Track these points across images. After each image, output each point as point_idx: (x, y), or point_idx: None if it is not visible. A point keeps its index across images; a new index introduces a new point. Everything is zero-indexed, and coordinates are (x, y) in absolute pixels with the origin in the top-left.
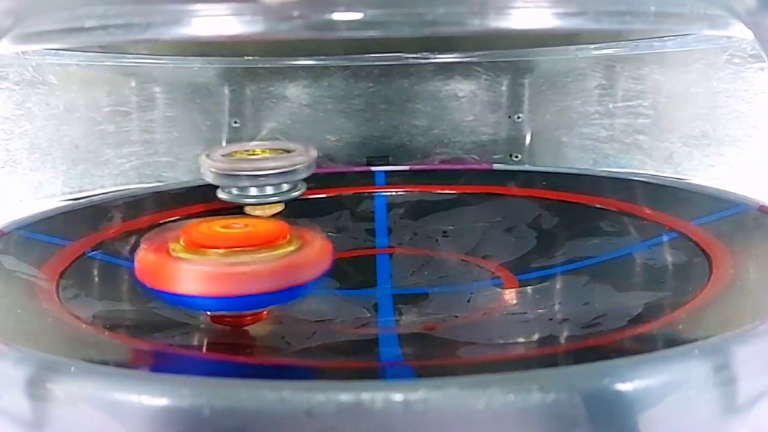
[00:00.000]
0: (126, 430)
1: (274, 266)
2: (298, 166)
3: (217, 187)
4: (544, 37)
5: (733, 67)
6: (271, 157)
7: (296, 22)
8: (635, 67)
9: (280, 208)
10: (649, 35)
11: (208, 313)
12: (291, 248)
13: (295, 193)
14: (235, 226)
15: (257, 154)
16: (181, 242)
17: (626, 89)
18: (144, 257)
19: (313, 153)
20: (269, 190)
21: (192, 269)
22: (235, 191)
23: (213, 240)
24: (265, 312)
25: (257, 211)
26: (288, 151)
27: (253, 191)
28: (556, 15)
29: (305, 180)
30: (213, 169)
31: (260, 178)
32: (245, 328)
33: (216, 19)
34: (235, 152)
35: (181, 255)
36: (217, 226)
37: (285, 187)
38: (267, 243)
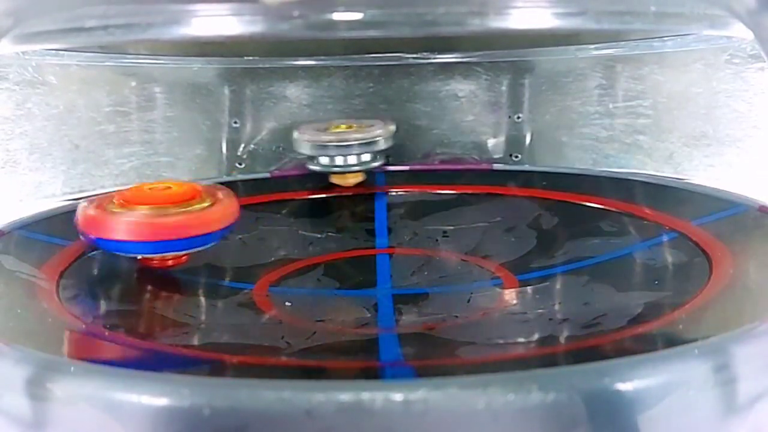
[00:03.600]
0: (126, 430)
1: (188, 218)
2: (378, 138)
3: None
4: (544, 37)
5: (733, 68)
6: (353, 129)
7: (296, 22)
8: (635, 67)
9: (361, 178)
10: (649, 35)
11: (139, 256)
12: (204, 204)
13: (375, 164)
14: (158, 188)
15: (341, 129)
16: (114, 201)
17: (626, 89)
18: (84, 213)
19: (392, 127)
20: (352, 160)
21: (124, 220)
22: (323, 161)
23: (141, 198)
24: (185, 256)
25: (339, 180)
26: (369, 126)
27: (339, 161)
28: (556, 15)
29: (385, 154)
30: (306, 141)
31: (344, 148)
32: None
33: (216, 19)
34: (325, 128)
35: (116, 210)
36: (144, 188)
37: (366, 157)
38: (183, 200)
